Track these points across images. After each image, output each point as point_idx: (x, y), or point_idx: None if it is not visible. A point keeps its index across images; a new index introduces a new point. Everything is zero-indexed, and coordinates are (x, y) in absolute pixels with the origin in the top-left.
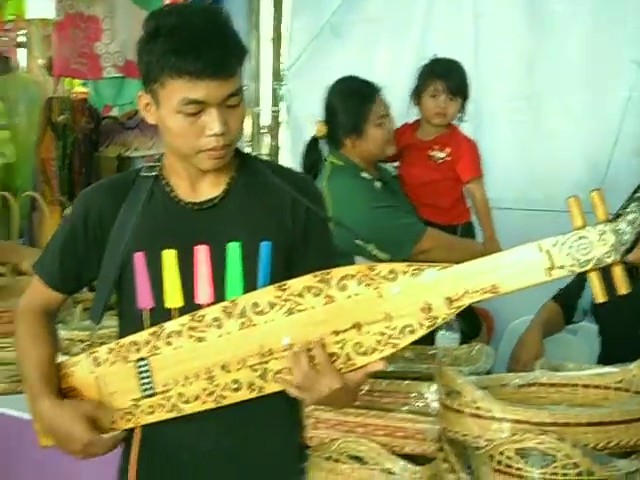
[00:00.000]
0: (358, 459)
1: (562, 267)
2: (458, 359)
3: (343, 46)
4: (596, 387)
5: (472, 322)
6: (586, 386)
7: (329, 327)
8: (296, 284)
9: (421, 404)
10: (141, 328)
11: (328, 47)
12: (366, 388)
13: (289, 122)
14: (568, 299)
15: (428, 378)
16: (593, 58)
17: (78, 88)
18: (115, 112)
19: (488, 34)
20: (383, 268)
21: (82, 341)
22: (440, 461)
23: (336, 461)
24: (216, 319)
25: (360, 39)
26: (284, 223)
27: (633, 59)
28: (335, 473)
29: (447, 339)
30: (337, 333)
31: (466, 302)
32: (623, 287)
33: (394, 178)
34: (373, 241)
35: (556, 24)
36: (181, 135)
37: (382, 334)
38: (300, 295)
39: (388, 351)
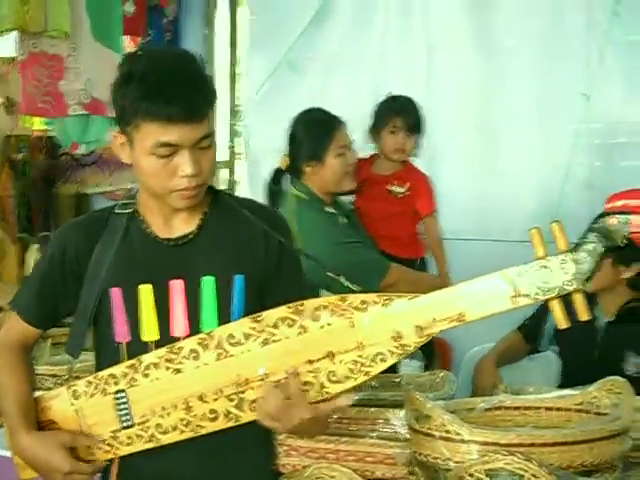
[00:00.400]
0: None
1: (527, 295)
2: (422, 386)
3: (300, 81)
4: (558, 409)
5: (426, 350)
6: (549, 409)
7: (303, 357)
8: (270, 315)
9: (389, 430)
10: (118, 361)
11: (286, 82)
12: (335, 416)
13: (247, 156)
14: (532, 329)
15: (394, 405)
16: (543, 91)
17: (37, 126)
18: (82, 149)
19: (441, 67)
20: (354, 299)
21: (54, 376)
22: None
23: None
24: (193, 351)
25: (317, 74)
26: (257, 256)
27: (582, 92)
28: None
29: (410, 367)
30: (311, 362)
31: (435, 330)
32: (584, 314)
33: (352, 212)
34: (343, 274)
35: (507, 58)
36: (154, 176)
37: (355, 362)
38: (275, 326)
39: (361, 379)
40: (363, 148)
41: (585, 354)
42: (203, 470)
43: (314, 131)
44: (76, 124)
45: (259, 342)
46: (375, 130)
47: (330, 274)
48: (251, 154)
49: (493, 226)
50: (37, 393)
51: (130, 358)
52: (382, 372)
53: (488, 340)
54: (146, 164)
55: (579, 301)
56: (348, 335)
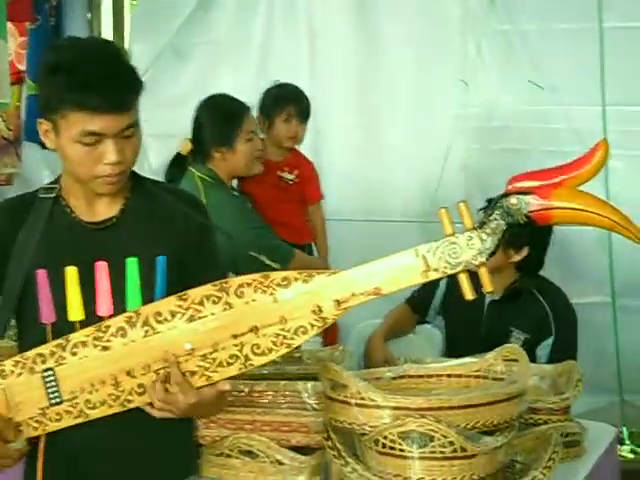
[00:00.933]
0: (249, 453)
1: (436, 270)
2: (323, 360)
3: (185, 67)
4: (458, 376)
5: None
6: (449, 376)
7: (228, 331)
8: (196, 293)
9: (298, 401)
10: (43, 341)
11: (170, 68)
12: (246, 390)
13: None
14: (420, 301)
15: (298, 378)
16: (423, 77)
17: None
18: None
19: (324, 53)
20: (277, 276)
21: None
22: (327, 449)
23: (228, 457)
24: (120, 329)
25: (202, 60)
26: (178, 238)
27: (460, 79)
28: (227, 468)
29: (310, 342)
30: (236, 336)
31: (353, 303)
32: (489, 286)
33: (247, 196)
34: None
35: (388, 44)
36: (79, 163)
37: (277, 335)
38: (200, 303)
39: (283, 350)
40: None
41: (471, 330)
42: (126, 442)
43: (223, 117)
44: None
45: (185, 319)
46: (266, 118)
47: (252, 253)
48: None
49: (376, 207)
50: None
51: (55, 338)
52: None
53: (373, 316)
54: (71, 151)
55: (484, 274)
56: (271, 310)
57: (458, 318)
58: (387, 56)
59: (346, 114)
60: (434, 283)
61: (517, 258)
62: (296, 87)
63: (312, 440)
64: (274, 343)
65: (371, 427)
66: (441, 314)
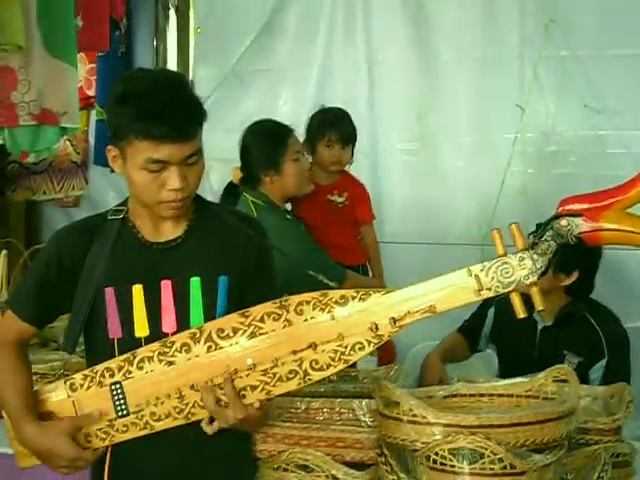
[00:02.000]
0: (304, 468)
1: (489, 289)
2: (378, 378)
3: (247, 93)
4: (509, 395)
5: None
6: (501, 395)
7: (288, 347)
8: (257, 310)
9: (353, 418)
10: (110, 356)
11: (232, 94)
12: (303, 406)
13: None
14: (471, 330)
15: (354, 396)
16: (481, 102)
17: None
18: (31, 158)
19: (382, 80)
20: (335, 294)
21: (36, 374)
22: (380, 465)
23: (285, 470)
24: (185, 344)
25: (263, 86)
26: (238, 259)
27: (517, 104)
28: None
29: (366, 362)
30: (295, 352)
31: (408, 321)
32: (540, 304)
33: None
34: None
35: (446, 71)
36: (144, 188)
37: (335, 352)
38: (261, 320)
39: (341, 366)
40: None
41: (524, 355)
42: (187, 458)
43: (268, 141)
44: (26, 134)
45: (247, 335)
46: (310, 143)
47: (311, 272)
48: None
49: (433, 230)
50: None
51: (121, 353)
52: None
53: (430, 338)
54: (137, 177)
55: (535, 293)
56: (329, 327)
57: (510, 345)
58: (445, 81)
59: (405, 138)
60: (482, 312)
61: (568, 282)
62: (340, 111)
63: (366, 456)
64: (332, 359)
65: (423, 443)
66: (492, 342)
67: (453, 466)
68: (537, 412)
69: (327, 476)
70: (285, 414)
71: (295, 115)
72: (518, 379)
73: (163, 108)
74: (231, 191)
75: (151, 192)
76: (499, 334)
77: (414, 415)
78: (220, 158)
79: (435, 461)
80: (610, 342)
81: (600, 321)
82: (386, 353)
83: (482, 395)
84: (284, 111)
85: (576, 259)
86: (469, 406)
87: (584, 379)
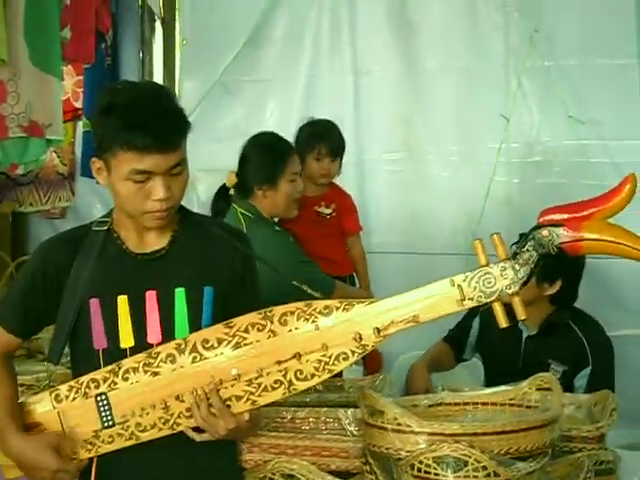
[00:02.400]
0: (290, 477)
1: (471, 299)
2: (363, 388)
3: (234, 103)
4: (493, 404)
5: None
6: (485, 403)
7: (273, 358)
8: (242, 321)
9: (338, 427)
10: (95, 367)
11: (219, 105)
12: (289, 416)
13: None
14: (456, 339)
15: (340, 405)
16: (465, 112)
17: None
18: (20, 170)
19: (368, 90)
20: (319, 305)
21: (22, 385)
22: (365, 474)
23: None
24: (170, 355)
25: (250, 96)
26: (223, 269)
27: (502, 114)
28: None
29: (352, 372)
30: (280, 363)
31: (392, 331)
32: (522, 314)
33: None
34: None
35: (431, 81)
36: (129, 199)
37: (319, 362)
38: (246, 331)
39: (325, 376)
40: None
41: (510, 364)
42: (174, 467)
43: (269, 156)
44: (15, 145)
45: (231, 345)
46: (299, 155)
47: (295, 283)
48: None
49: (419, 240)
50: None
51: (106, 364)
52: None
53: (415, 348)
54: (121, 189)
55: (517, 302)
56: (313, 337)
57: (496, 354)
58: (430, 91)
59: (390, 148)
60: (467, 322)
61: (551, 291)
62: (329, 123)
63: (351, 465)
64: (316, 369)
65: (407, 452)
66: (478, 352)
67: (437, 474)
68: (520, 420)
69: None
70: (271, 424)
71: (282, 125)
72: (502, 387)
73: (148, 119)
74: (223, 195)
75: (136, 203)
76: (484, 344)
77: (398, 424)
78: (207, 168)
79: (420, 469)
80: (594, 350)
81: (584, 329)
82: (372, 363)
83: (466, 404)
84: (271, 122)
85: (559, 268)
86: (453, 415)
87: (569, 387)
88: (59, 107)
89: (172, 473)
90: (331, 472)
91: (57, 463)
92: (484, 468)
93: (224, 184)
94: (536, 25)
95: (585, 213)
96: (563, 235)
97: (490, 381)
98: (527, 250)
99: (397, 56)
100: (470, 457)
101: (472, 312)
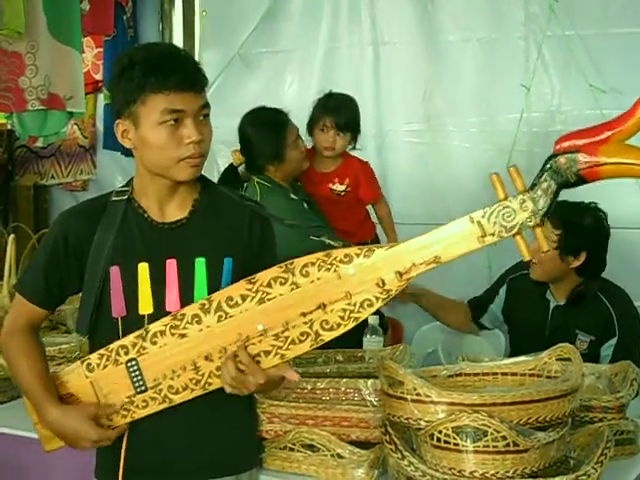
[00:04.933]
0: (310, 447)
1: (492, 234)
2: (384, 359)
3: (253, 76)
4: (513, 374)
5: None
6: (504, 374)
7: (297, 310)
8: (264, 276)
9: (358, 398)
10: (115, 334)
11: (238, 77)
12: (309, 387)
13: None
14: (478, 301)
15: (360, 376)
16: (486, 83)
17: None
18: (40, 142)
19: (387, 61)
20: (338, 253)
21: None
22: (385, 443)
23: (291, 450)
24: (195, 316)
25: (269, 69)
26: (243, 240)
27: (522, 84)
28: (290, 461)
29: (373, 342)
30: (305, 314)
31: (414, 274)
32: (545, 245)
33: (309, 197)
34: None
35: (451, 52)
36: (163, 147)
37: (344, 310)
38: (268, 285)
39: (351, 324)
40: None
41: (536, 333)
42: (194, 438)
43: (270, 133)
44: (34, 118)
45: (255, 301)
46: (310, 127)
47: (313, 238)
48: None
49: (438, 210)
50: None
51: (125, 332)
52: (345, 347)
53: (435, 320)
54: (154, 137)
55: (539, 235)
56: (336, 286)
57: (522, 323)
58: (450, 61)
59: (410, 120)
60: (495, 289)
61: (577, 264)
62: (343, 97)
63: (371, 435)
64: (342, 318)
65: (426, 422)
66: (505, 320)
67: (457, 444)
68: (540, 390)
69: (332, 455)
70: (292, 394)
71: (301, 97)
72: (522, 358)
73: (172, 61)
74: (230, 173)
75: (170, 150)
76: (511, 312)
77: (418, 394)
78: (227, 141)
79: (439, 439)
80: (621, 320)
81: (612, 300)
82: (394, 334)
83: (486, 374)
84: (290, 93)
85: (582, 240)
86: (473, 385)
87: (596, 357)
88: (80, 79)
89: (192, 442)
90: (351, 442)
91: (97, 432)
92: (503, 438)
93: (231, 164)
94: None
95: (602, 137)
96: (581, 161)
97: (516, 350)
98: (545, 180)
99: (417, 27)
100: (489, 427)
101: (500, 280)
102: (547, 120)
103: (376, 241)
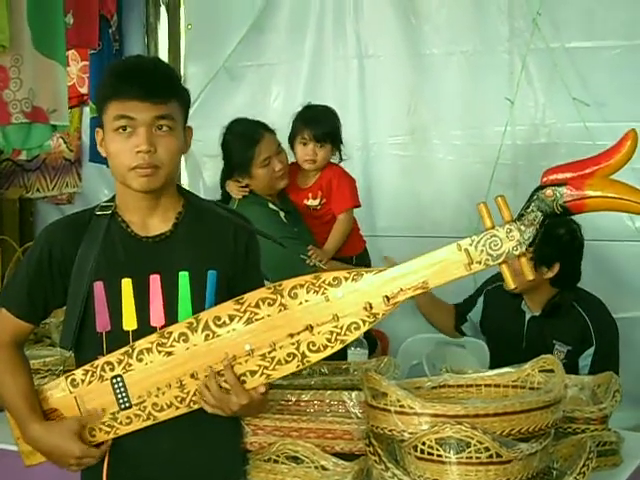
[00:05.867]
0: (295, 459)
1: (479, 262)
2: (368, 371)
3: (238, 88)
4: (496, 386)
5: (369, 342)
6: (488, 385)
7: (285, 331)
8: (252, 297)
9: (342, 410)
10: (98, 349)
11: (224, 90)
12: (294, 399)
13: (187, 162)
14: (460, 308)
15: (345, 388)
16: (470, 95)
17: None
18: (23, 156)
19: (372, 74)
20: (327, 276)
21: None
22: (369, 455)
23: (275, 462)
24: (182, 334)
25: (254, 81)
26: (227, 253)
27: (506, 96)
28: (274, 473)
29: (357, 355)
30: (292, 335)
31: (401, 298)
32: (529, 274)
33: (295, 208)
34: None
35: (436, 64)
36: (116, 155)
37: (331, 333)
38: (257, 306)
39: (338, 346)
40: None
41: (513, 345)
42: (179, 450)
43: (240, 146)
44: (18, 131)
45: (243, 321)
46: (290, 140)
47: (303, 256)
48: (191, 159)
49: (424, 223)
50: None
51: (109, 347)
52: (329, 359)
53: (421, 331)
54: (110, 143)
55: (524, 263)
56: (324, 309)
57: (499, 335)
58: (434, 74)
59: (395, 132)
60: (474, 298)
61: (550, 275)
62: (321, 108)
63: (355, 447)
64: (329, 340)
65: (410, 434)
66: (482, 332)
67: (440, 456)
68: (522, 401)
69: (317, 467)
70: (276, 406)
71: (286, 111)
72: (505, 369)
73: (136, 72)
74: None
75: (122, 158)
76: (488, 324)
77: (401, 406)
78: (212, 154)
79: (422, 451)
80: (598, 329)
81: (588, 309)
82: (380, 346)
83: (469, 386)
84: (275, 106)
85: (556, 252)
86: (457, 397)
87: (574, 367)
88: (64, 93)
89: (176, 455)
90: (335, 454)
91: (81, 449)
92: (486, 449)
93: (223, 168)
94: (540, 8)
95: (588, 171)
96: (567, 194)
97: (496, 362)
98: (532, 211)
99: (401, 40)
100: (472, 438)
101: (478, 290)
102: (531, 133)
103: (364, 256)
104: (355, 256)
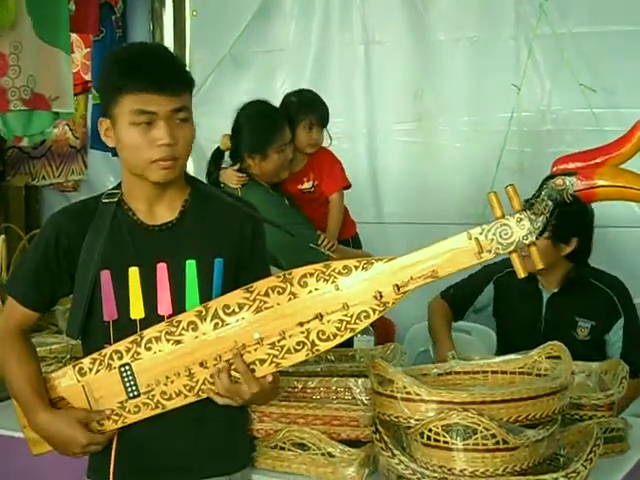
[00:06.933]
0: (301, 446)
1: (489, 251)
2: (375, 358)
3: (244, 75)
4: (503, 372)
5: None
6: (495, 372)
7: (294, 320)
8: (261, 285)
9: (349, 396)
10: (105, 338)
11: (229, 77)
12: (300, 386)
13: (192, 150)
14: (457, 301)
15: (351, 375)
16: (477, 82)
17: None
18: (25, 142)
19: (379, 60)
20: (337, 265)
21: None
22: (375, 442)
23: (281, 449)
24: (191, 323)
25: (260, 68)
26: (234, 241)
27: (513, 82)
28: (281, 460)
29: (363, 341)
30: (302, 324)
31: (411, 287)
32: (539, 263)
33: (287, 195)
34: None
35: (442, 51)
36: (135, 148)
37: (341, 321)
38: (266, 295)
39: (347, 335)
40: None
41: (529, 328)
42: (186, 438)
43: (260, 126)
44: (18, 118)
45: (252, 310)
46: (289, 125)
47: (312, 245)
48: (196, 147)
49: (430, 210)
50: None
51: (116, 336)
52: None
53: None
54: (127, 137)
55: (534, 252)
56: (334, 297)
57: (514, 318)
58: (441, 61)
59: (401, 119)
60: (477, 288)
61: (568, 250)
62: (312, 93)
63: (361, 433)
64: (338, 328)
65: (416, 420)
66: (495, 319)
67: (447, 442)
68: (529, 388)
69: (323, 454)
70: (282, 393)
71: None
72: (512, 356)
73: (147, 62)
74: (216, 157)
75: (141, 151)
76: (502, 310)
77: (408, 392)
78: (217, 141)
79: (429, 437)
80: (624, 301)
81: (609, 283)
82: (384, 333)
83: (476, 372)
84: (281, 93)
85: (570, 227)
86: (463, 383)
87: (599, 343)
88: (68, 80)
89: (184, 444)
90: (341, 441)
91: (87, 437)
92: (493, 436)
93: (218, 147)
94: None
95: (598, 160)
96: (577, 183)
97: (506, 348)
98: (542, 200)
99: (407, 26)
100: (479, 425)
101: (485, 278)
102: (538, 119)
103: (356, 238)
104: (351, 238)
